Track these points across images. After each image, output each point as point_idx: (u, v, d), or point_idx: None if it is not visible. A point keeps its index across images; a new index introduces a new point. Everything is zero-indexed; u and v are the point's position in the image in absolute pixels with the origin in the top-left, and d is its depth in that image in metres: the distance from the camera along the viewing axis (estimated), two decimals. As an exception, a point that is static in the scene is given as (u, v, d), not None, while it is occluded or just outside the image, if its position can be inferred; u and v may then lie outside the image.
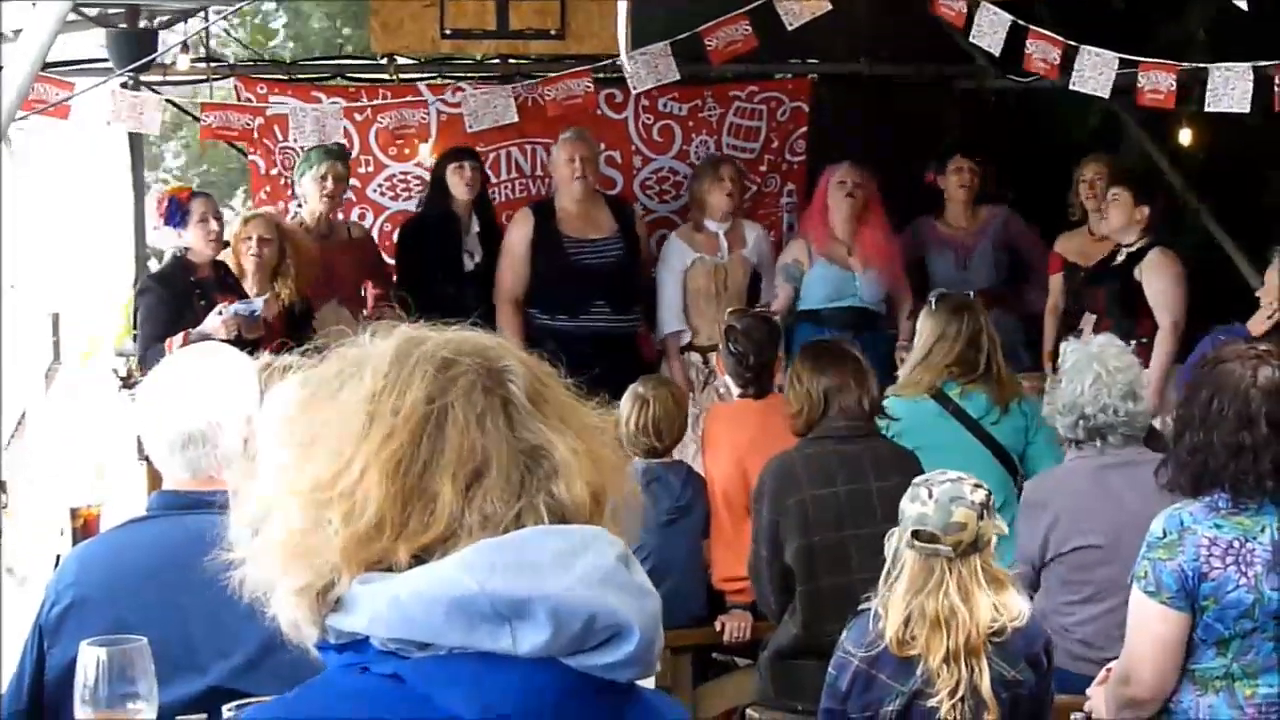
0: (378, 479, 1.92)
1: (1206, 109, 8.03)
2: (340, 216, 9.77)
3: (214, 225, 8.78)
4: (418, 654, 1.87)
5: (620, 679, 1.91)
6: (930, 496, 4.77)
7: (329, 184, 9.26)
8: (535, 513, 1.93)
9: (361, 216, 10.10)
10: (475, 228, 9.67)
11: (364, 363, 2.01)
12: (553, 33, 9.63)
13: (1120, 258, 9.16)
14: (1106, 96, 8.38)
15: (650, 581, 1.97)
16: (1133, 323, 8.98)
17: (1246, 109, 7.92)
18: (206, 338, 8.25)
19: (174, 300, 8.59)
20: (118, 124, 8.95)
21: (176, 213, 8.67)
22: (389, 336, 2.03)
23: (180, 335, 8.30)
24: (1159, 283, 9.01)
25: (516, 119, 9.44)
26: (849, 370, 6.51)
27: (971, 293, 9.59)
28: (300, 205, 9.73)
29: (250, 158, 10.37)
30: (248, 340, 8.10)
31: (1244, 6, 7.04)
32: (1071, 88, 8.32)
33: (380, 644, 1.89)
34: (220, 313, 8.44)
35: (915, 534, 4.75)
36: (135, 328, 8.78)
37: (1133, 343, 8.74)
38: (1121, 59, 8.16)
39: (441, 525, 1.92)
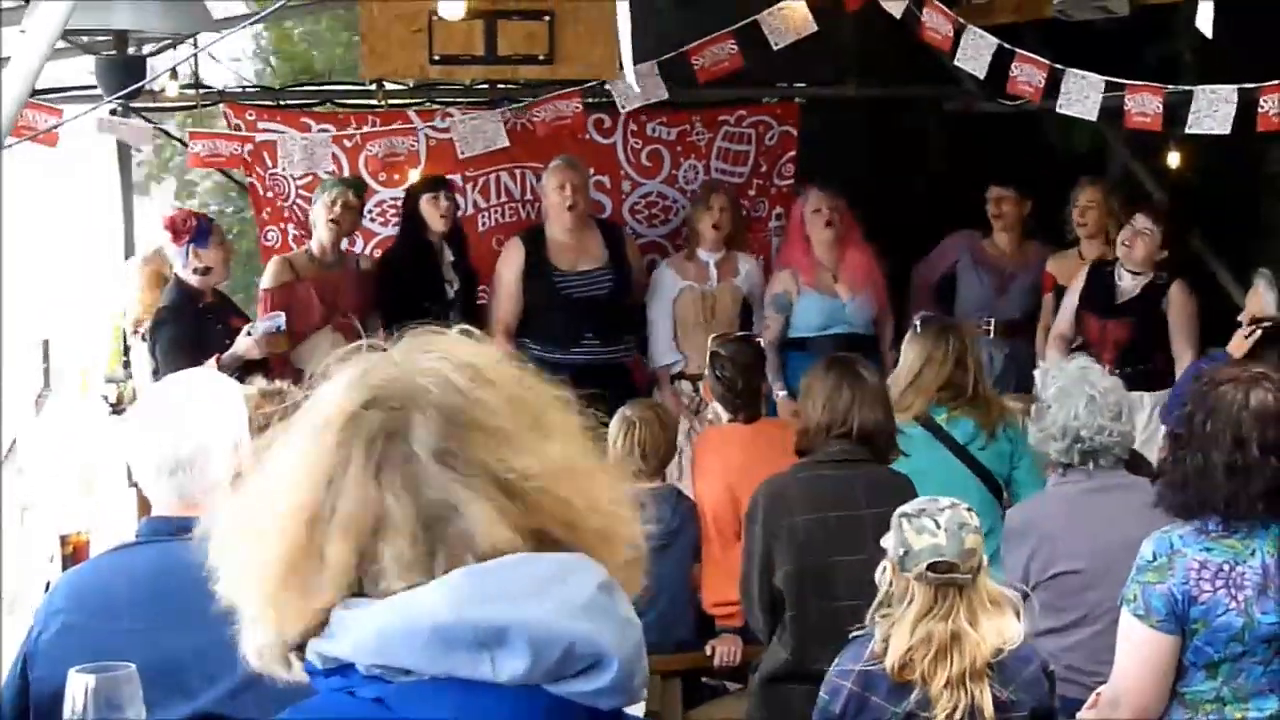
0: (285, 533, 1.94)
1: (1188, 130, 8.06)
2: (349, 247, 9.79)
3: (228, 246, 8.90)
4: (402, 679, 1.87)
5: (602, 706, 1.89)
6: (939, 527, 4.76)
7: (336, 210, 9.27)
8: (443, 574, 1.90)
9: (352, 243, 10.11)
10: (449, 256, 9.67)
11: (311, 405, 2.01)
12: (541, 58, 9.61)
13: (1128, 284, 9.16)
14: (1094, 119, 8.40)
15: (633, 609, 1.95)
16: (1150, 352, 9.04)
17: (1228, 131, 7.94)
18: (240, 359, 8.34)
19: (191, 330, 8.65)
20: (104, 134, 9.03)
21: (206, 231, 8.72)
22: (343, 371, 2.02)
23: (211, 362, 8.34)
24: (1184, 318, 9.11)
25: (507, 144, 9.45)
26: (861, 394, 6.45)
27: (992, 320, 9.68)
28: (276, 239, 9.84)
29: (249, 180, 10.37)
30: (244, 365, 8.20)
31: (1208, 34, 7.06)
32: (1059, 110, 8.34)
33: (365, 669, 1.89)
34: (249, 333, 8.52)
35: (932, 566, 4.74)
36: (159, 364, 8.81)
37: (1147, 366, 8.86)
38: (1108, 82, 8.18)
39: (335, 586, 1.92)
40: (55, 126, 8.29)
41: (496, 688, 1.84)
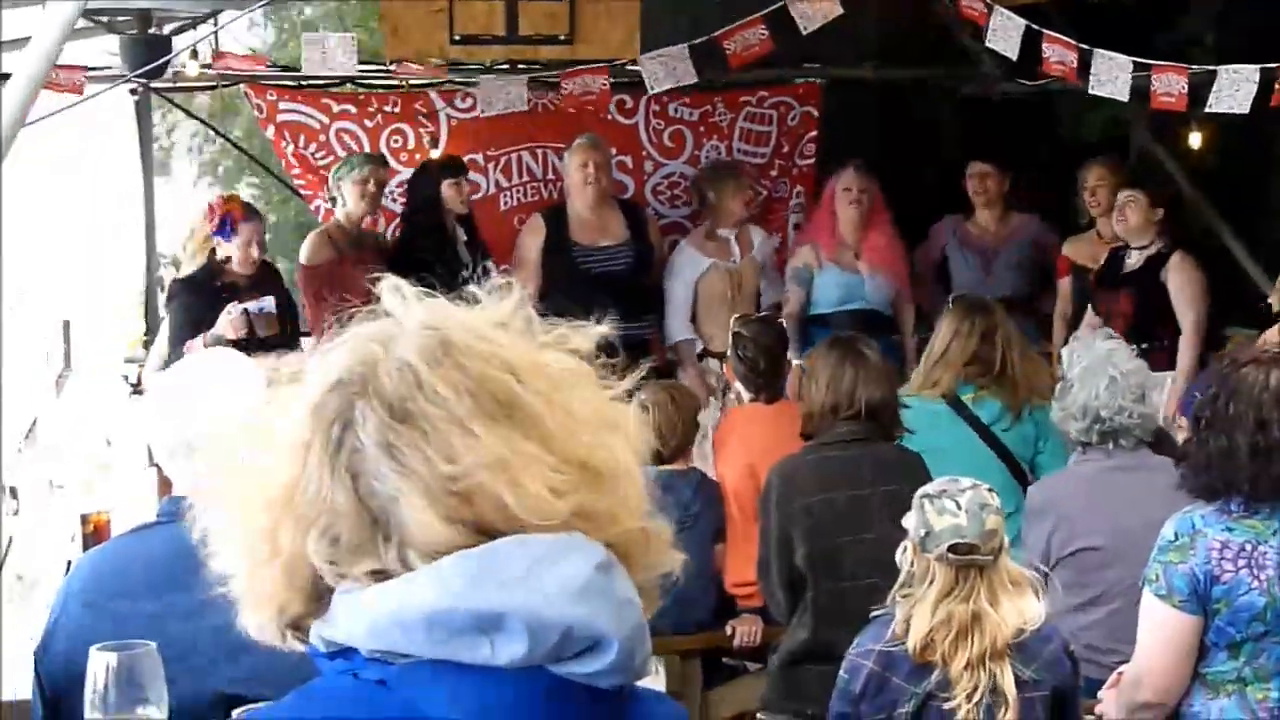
0: (265, 514, 1.94)
1: (1208, 109, 8.04)
2: (371, 223, 9.82)
3: (254, 251, 8.89)
4: (404, 660, 1.87)
5: (604, 686, 1.88)
6: (960, 508, 4.75)
7: (371, 187, 9.34)
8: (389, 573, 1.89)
9: (374, 222, 10.12)
10: (463, 237, 9.67)
11: (306, 379, 1.99)
12: (562, 38, 9.63)
13: (1133, 260, 9.17)
14: (1126, 99, 8.37)
15: (634, 589, 1.93)
16: (1157, 326, 9.02)
17: (1246, 110, 7.92)
18: (220, 339, 8.37)
19: (201, 305, 8.73)
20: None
21: (227, 227, 8.76)
22: (342, 341, 1.99)
23: (199, 339, 8.43)
24: (1185, 287, 9.04)
25: (527, 107, 9.44)
26: (864, 373, 6.46)
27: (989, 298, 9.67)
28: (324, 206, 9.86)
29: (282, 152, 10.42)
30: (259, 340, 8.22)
31: None
32: (1091, 92, 8.32)
33: (367, 652, 1.89)
34: (230, 313, 8.55)
35: (953, 547, 4.73)
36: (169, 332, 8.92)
37: (1154, 346, 8.84)
38: (1135, 62, 8.16)
39: (306, 570, 1.92)
40: (79, 102, 8.29)
41: (497, 669, 1.83)
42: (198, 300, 8.79)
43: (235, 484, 1.99)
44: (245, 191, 16.31)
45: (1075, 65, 8.35)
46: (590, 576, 1.87)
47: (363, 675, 1.89)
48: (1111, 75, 8.20)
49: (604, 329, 2.07)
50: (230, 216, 8.89)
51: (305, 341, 8.84)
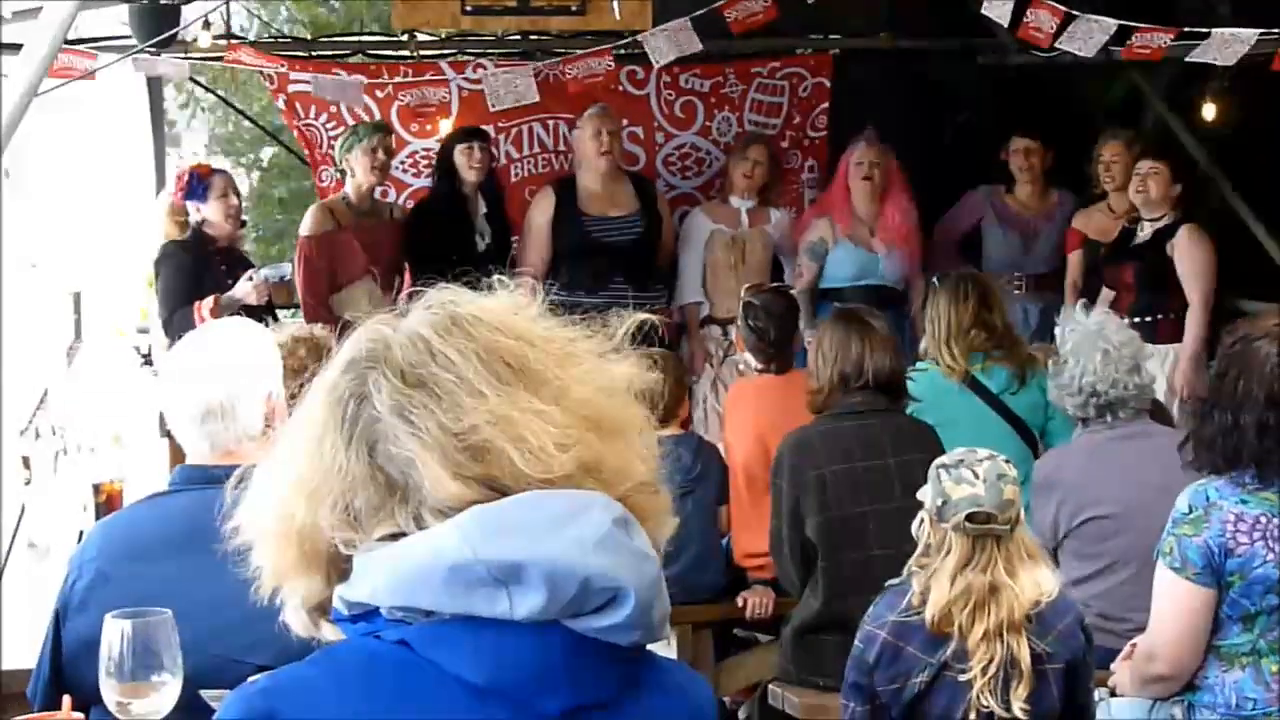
0: (286, 507, 1.99)
1: (1188, 59, 8.10)
2: (383, 195, 9.81)
3: (233, 200, 8.89)
4: (423, 620, 1.89)
5: (622, 642, 1.90)
6: (978, 478, 4.73)
7: (380, 156, 9.30)
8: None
9: (384, 194, 10.09)
10: (483, 208, 9.66)
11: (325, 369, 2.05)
12: (573, 9, 9.61)
13: (1144, 232, 9.13)
14: (1090, 56, 8.38)
15: (650, 545, 1.95)
16: (1162, 298, 8.99)
17: (1231, 64, 7.97)
18: (237, 302, 8.36)
19: (194, 265, 8.71)
20: (140, 73, 9.24)
21: (198, 187, 8.73)
22: (357, 331, 2.05)
23: (210, 299, 8.42)
24: (1193, 260, 8.97)
25: (538, 99, 9.43)
26: (871, 342, 6.46)
27: (1023, 276, 9.65)
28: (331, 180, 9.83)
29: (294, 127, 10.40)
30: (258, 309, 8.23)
31: None
32: (1059, 47, 8.33)
33: (388, 612, 1.91)
34: (251, 278, 8.54)
35: (970, 517, 4.72)
36: (157, 294, 8.90)
37: (1159, 318, 8.82)
38: (1127, 26, 8.17)
39: (329, 549, 1.98)
40: (91, 71, 8.29)
41: (516, 625, 1.86)
42: (189, 261, 8.73)
43: (263, 477, 2.05)
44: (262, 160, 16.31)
45: (1054, 30, 8.34)
46: (609, 530, 1.90)
47: (385, 636, 1.91)
48: (1087, 35, 8.22)
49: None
50: (196, 175, 8.84)
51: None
